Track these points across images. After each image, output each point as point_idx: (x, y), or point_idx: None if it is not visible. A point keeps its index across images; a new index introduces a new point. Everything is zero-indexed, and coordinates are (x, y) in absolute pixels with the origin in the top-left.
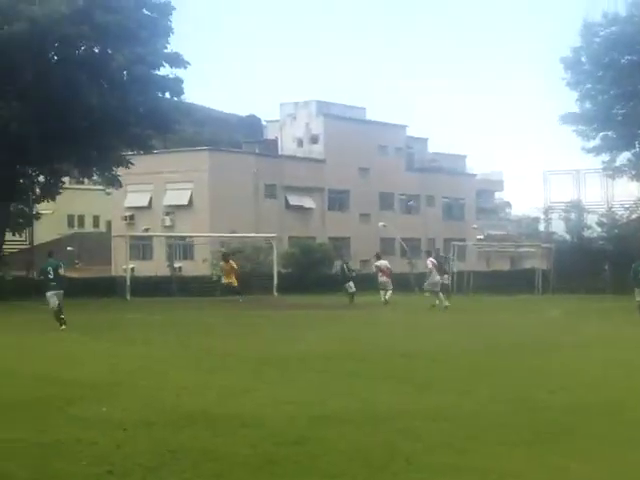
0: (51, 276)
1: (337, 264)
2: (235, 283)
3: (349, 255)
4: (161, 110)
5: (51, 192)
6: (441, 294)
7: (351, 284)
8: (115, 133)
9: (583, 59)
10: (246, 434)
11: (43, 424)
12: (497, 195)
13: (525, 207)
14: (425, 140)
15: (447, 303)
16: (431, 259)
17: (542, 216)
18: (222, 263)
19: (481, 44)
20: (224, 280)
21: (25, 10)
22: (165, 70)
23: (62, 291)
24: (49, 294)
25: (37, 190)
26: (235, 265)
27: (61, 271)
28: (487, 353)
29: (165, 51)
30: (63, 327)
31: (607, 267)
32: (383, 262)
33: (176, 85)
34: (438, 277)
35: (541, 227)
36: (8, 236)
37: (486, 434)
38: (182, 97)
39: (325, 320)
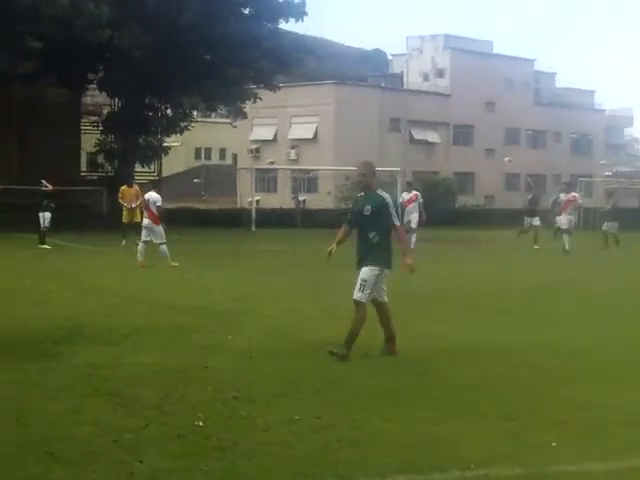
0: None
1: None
2: (138, 220)
3: (472, 190)
4: (285, 45)
5: (178, 126)
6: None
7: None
8: (239, 67)
9: None
10: (368, 364)
11: (171, 350)
12: (626, 131)
13: None
14: (553, 75)
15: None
16: (415, 192)
17: None
18: (124, 187)
19: None
20: (124, 218)
21: None
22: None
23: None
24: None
25: (165, 123)
26: (140, 194)
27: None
28: (614, 293)
29: None
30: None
31: None
32: (569, 194)
33: (298, 9)
34: (415, 214)
35: None
36: (137, 168)
37: (607, 370)
38: (304, 19)
39: (449, 254)
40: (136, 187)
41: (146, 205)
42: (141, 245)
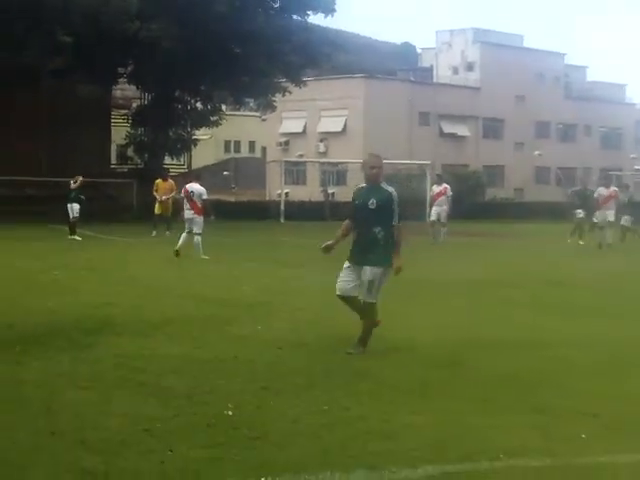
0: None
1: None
2: (169, 213)
3: (502, 183)
4: (313, 40)
5: (208, 119)
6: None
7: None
8: (268, 61)
9: None
10: (398, 357)
11: (201, 341)
12: None
13: None
14: (584, 68)
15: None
16: (445, 185)
17: None
18: (159, 181)
19: None
20: (157, 210)
21: None
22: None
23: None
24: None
25: (194, 116)
26: (175, 187)
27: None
28: None
29: None
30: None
31: None
32: (609, 188)
33: (328, 4)
34: (445, 208)
35: None
36: (167, 160)
37: (638, 363)
38: (333, 14)
39: (479, 247)
40: (171, 181)
41: (189, 196)
42: (185, 235)
